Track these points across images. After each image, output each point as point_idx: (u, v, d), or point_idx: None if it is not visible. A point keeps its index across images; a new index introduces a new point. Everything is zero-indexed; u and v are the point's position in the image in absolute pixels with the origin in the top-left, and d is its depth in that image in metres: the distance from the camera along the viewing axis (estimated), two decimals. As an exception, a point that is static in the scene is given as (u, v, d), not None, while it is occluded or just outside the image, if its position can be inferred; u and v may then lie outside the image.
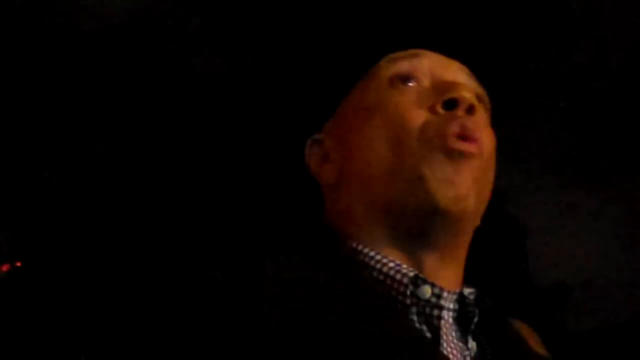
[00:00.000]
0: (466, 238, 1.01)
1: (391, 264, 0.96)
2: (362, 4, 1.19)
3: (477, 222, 1.03)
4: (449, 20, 1.11)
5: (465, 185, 0.95)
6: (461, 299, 0.97)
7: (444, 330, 0.94)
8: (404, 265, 0.96)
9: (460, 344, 0.96)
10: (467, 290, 0.99)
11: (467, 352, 0.96)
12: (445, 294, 0.95)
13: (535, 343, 1.40)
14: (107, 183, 1.45)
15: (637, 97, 1.52)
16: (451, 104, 0.99)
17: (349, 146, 1.03)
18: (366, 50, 1.08)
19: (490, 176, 1.02)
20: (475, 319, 0.97)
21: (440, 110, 0.99)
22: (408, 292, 0.94)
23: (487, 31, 1.16)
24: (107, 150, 1.46)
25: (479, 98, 1.04)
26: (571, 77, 1.47)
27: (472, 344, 0.97)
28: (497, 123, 1.06)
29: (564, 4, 1.42)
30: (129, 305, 0.88)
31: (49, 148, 1.46)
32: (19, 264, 1.15)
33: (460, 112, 0.99)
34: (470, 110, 1.00)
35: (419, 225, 0.96)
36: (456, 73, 1.06)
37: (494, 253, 1.09)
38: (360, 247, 0.98)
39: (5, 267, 1.12)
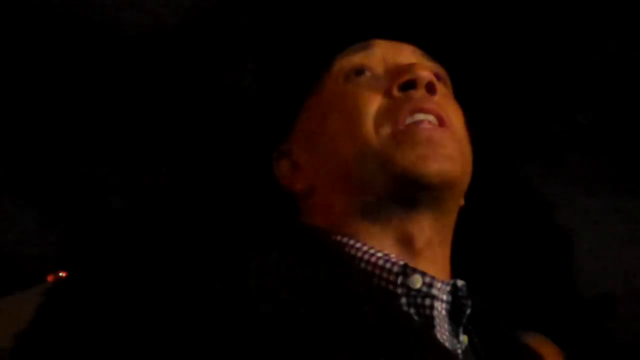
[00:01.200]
0: (452, 217, 0.99)
1: (379, 254, 0.93)
2: (310, 7, 1.17)
3: (462, 201, 1.00)
4: (396, 5, 1.11)
5: (444, 159, 0.93)
6: (454, 290, 0.94)
7: (437, 320, 0.91)
8: (393, 255, 0.93)
9: (452, 337, 0.93)
10: (459, 282, 0.95)
11: (458, 345, 0.94)
12: (437, 284, 0.92)
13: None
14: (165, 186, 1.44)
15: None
16: (408, 86, 0.97)
17: (315, 149, 1.01)
18: (316, 52, 1.06)
19: (468, 150, 0.99)
20: (468, 311, 0.94)
21: (396, 93, 0.97)
22: (398, 282, 0.91)
23: (435, 10, 1.15)
24: (158, 154, 1.45)
25: (437, 75, 1.02)
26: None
27: (462, 337, 0.95)
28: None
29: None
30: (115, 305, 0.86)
31: (94, 151, 1.46)
32: (63, 274, 1.16)
33: (419, 92, 0.97)
34: (431, 88, 0.98)
35: (404, 202, 0.94)
36: (410, 56, 1.04)
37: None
38: (345, 240, 0.95)
39: (50, 278, 1.13)
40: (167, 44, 1.47)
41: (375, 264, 0.92)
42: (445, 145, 0.94)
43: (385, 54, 1.04)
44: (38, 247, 1.20)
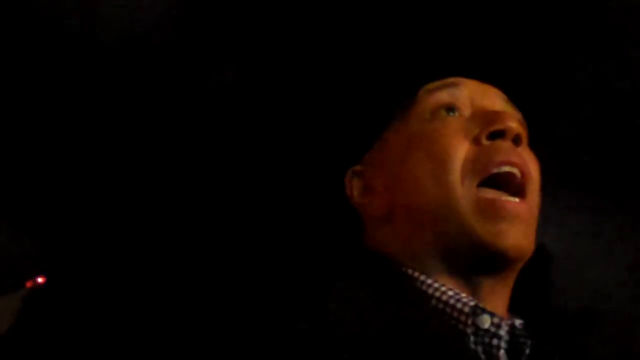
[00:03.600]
0: (516, 272, 1.02)
1: (450, 292, 0.96)
2: (398, 35, 1.19)
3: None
4: (484, 48, 1.12)
5: (520, 235, 0.97)
6: (512, 329, 0.97)
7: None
8: (463, 294, 0.97)
9: None
10: (517, 321, 0.99)
11: None
12: (503, 324, 0.95)
13: None
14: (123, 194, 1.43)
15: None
16: (497, 135, 1.00)
17: (395, 178, 1.03)
18: (402, 81, 1.08)
19: (538, 203, 1.02)
20: (527, 351, 0.97)
21: (484, 141, 1.00)
22: (469, 322, 0.94)
23: (520, 56, 1.17)
24: (125, 162, 1.44)
25: (520, 124, 1.04)
26: (593, 95, 1.45)
27: None
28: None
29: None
30: (191, 329, 0.88)
31: (66, 158, 1.44)
32: (42, 279, 1.15)
33: (506, 143, 0.99)
34: (517, 140, 1.00)
35: (476, 264, 0.98)
36: (495, 100, 1.06)
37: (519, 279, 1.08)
38: (416, 275, 0.98)
39: (29, 284, 1.12)
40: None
41: (446, 302, 0.96)
42: (523, 220, 0.97)
43: (473, 95, 1.05)
44: (16, 251, 1.17)
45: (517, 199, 0.98)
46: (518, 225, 0.96)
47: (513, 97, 1.07)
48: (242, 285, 0.91)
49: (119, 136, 1.46)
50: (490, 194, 0.97)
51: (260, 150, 1.37)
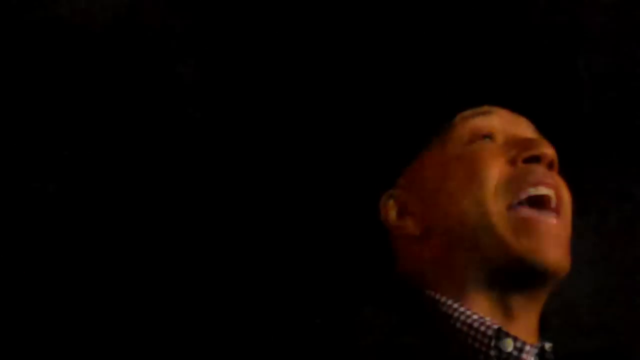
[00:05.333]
0: (548, 291, 1.05)
1: (475, 316, 0.99)
2: (434, 60, 1.23)
3: None
4: (517, 78, 1.17)
5: (559, 252, 1.00)
6: (541, 353, 1.00)
7: None
8: (487, 318, 0.99)
9: None
10: (547, 345, 1.02)
11: None
12: (527, 348, 0.98)
13: None
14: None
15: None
16: (532, 160, 1.03)
17: (433, 199, 1.06)
18: (437, 108, 1.11)
19: (570, 227, 1.05)
20: None
21: (520, 164, 1.03)
22: (492, 345, 0.97)
23: (551, 88, 1.20)
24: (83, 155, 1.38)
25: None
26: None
27: None
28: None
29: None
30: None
31: (31, 151, 1.37)
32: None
33: (541, 168, 1.03)
34: (552, 165, 1.04)
35: (511, 280, 1.00)
36: (526, 130, 1.10)
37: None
38: (441, 298, 1.01)
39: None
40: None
41: (470, 325, 0.99)
42: (560, 236, 1.01)
43: (505, 124, 1.09)
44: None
45: (552, 218, 1.01)
46: (553, 243, 1.00)
47: (542, 129, 1.11)
48: (271, 310, 0.92)
49: (75, 132, 1.40)
50: (525, 212, 1.01)
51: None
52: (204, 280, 1.29)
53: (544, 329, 1.06)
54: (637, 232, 1.47)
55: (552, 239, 1.00)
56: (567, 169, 1.09)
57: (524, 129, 1.10)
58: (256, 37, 1.39)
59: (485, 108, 1.10)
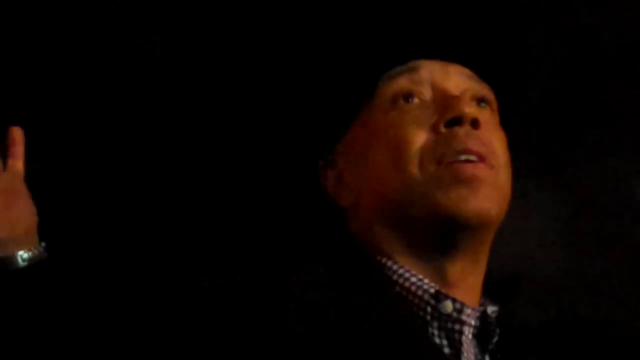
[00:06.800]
0: (486, 250, 1.05)
1: (413, 279, 1.00)
2: (358, 22, 1.22)
3: (497, 226, 1.05)
4: (442, 25, 1.15)
5: (484, 200, 0.98)
6: (483, 316, 1.00)
7: (465, 345, 0.98)
8: (426, 280, 1.00)
9: None
10: (490, 308, 1.02)
11: None
12: (467, 310, 0.98)
13: None
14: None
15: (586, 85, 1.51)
16: (454, 122, 1.01)
17: (360, 168, 1.06)
18: (367, 68, 1.09)
19: (507, 178, 1.04)
20: (495, 339, 1.00)
21: (442, 129, 1.01)
22: (429, 308, 0.98)
23: (479, 29, 1.19)
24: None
25: (484, 99, 1.06)
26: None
27: None
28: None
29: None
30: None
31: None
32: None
33: (463, 128, 1.00)
34: (475, 124, 1.01)
35: (442, 240, 1.00)
36: (457, 79, 1.07)
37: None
38: (384, 261, 1.02)
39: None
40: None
41: (408, 290, 1.00)
42: (485, 183, 0.99)
43: (433, 78, 1.06)
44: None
45: (477, 166, 0.99)
46: (479, 189, 0.98)
47: (479, 71, 1.08)
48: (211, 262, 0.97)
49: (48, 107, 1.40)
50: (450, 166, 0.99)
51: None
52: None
53: (505, 298, 1.06)
54: (604, 206, 1.44)
55: (475, 185, 0.98)
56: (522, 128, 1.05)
57: (455, 78, 1.07)
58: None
59: (410, 64, 1.08)
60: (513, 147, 1.07)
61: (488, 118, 1.05)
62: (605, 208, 1.43)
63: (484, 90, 1.08)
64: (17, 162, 1.09)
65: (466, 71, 1.08)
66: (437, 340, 0.98)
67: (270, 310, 0.91)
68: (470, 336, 0.99)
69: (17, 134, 1.10)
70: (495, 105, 1.09)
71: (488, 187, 0.99)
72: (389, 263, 1.02)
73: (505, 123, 1.10)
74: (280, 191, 1.27)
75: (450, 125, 1.01)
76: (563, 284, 1.39)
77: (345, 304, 0.94)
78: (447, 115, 1.01)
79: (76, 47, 1.40)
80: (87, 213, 1.35)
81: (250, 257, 0.98)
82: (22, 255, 1.03)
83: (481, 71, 1.09)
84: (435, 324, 0.98)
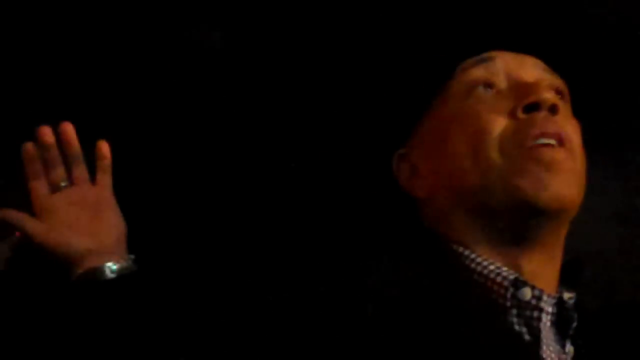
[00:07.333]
0: (564, 234, 1.04)
1: (492, 267, 0.99)
2: (432, 15, 1.22)
3: (574, 214, 1.04)
4: (517, 18, 1.15)
5: (563, 184, 0.97)
6: (560, 302, 0.99)
7: (544, 332, 0.97)
8: (504, 268, 0.99)
9: (559, 347, 0.99)
10: (566, 295, 1.01)
11: (564, 356, 0.99)
12: (545, 297, 0.97)
13: None
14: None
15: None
16: (532, 107, 1.00)
17: (436, 159, 1.05)
18: (440, 60, 1.09)
19: (583, 165, 1.03)
20: (574, 324, 1.00)
21: (520, 115, 1.00)
22: (509, 295, 0.97)
23: (556, 22, 1.19)
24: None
25: (558, 91, 1.06)
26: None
27: (569, 348, 0.99)
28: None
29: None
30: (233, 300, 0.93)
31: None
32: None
33: (542, 114, 1.00)
34: (553, 109, 1.01)
35: (521, 228, 0.99)
36: (532, 70, 1.06)
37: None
38: (461, 250, 1.01)
39: (19, 233, 1.09)
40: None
41: (487, 277, 0.99)
42: (564, 168, 0.98)
43: (508, 68, 1.06)
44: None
45: (557, 150, 0.98)
46: (557, 173, 0.97)
47: (553, 64, 1.07)
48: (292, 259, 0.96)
49: (99, 102, 1.41)
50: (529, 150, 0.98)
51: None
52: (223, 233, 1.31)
53: (575, 283, 1.04)
54: None
55: (555, 169, 0.97)
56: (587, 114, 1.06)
57: (530, 69, 1.06)
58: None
59: (485, 55, 1.07)
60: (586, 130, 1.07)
61: (564, 108, 1.04)
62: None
63: (558, 81, 1.08)
64: (105, 176, 1.12)
65: (540, 63, 1.08)
66: (516, 327, 0.97)
67: (352, 307, 0.90)
68: (548, 323, 0.98)
69: (104, 148, 1.12)
70: (568, 97, 1.09)
71: (567, 172, 0.98)
72: (467, 252, 1.00)
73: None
74: (355, 185, 1.26)
75: (529, 111, 1.00)
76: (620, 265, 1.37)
77: (426, 294, 0.93)
78: (526, 100, 1.00)
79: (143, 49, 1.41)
80: (173, 223, 1.37)
81: (329, 254, 0.98)
82: (111, 266, 1.04)
83: (554, 63, 1.08)
84: (514, 311, 0.97)
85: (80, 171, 1.10)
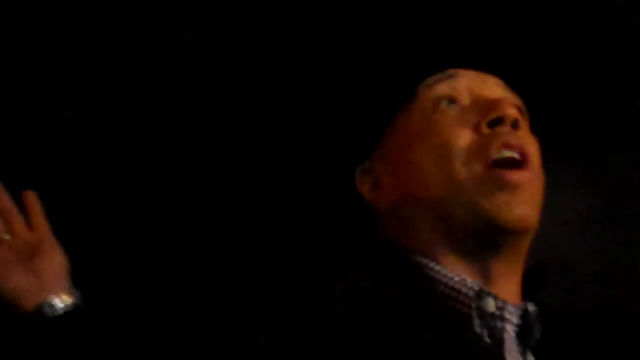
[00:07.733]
0: (525, 250, 1.06)
1: (456, 278, 1.00)
2: (395, 32, 1.23)
3: (535, 229, 1.06)
4: (480, 39, 1.18)
5: (526, 206, 1.00)
6: (524, 314, 1.01)
7: (507, 343, 0.98)
8: (469, 279, 1.00)
9: (522, 358, 1.00)
10: (530, 306, 1.02)
11: None
12: (509, 308, 0.99)
13: None
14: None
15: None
16: (496, 122, 1.03)
17: (401, 172, 1.07)
18: (402, 78, 1.11)
19: (541, 182, 1.06)
20: (538, 336, 1.01)
21: (485, 129, 1.03)
22: (473, 305, 0.98)
23: (517, 43, 1.22)
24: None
25: (519, 109, 1.08)
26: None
27: (530, 359, 1.01)
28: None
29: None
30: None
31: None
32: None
33: (505, 128, 1.03)
34: (515, 124, 1.04)
35: (485, 243, 1.01)
36: (494, 88, 1.10)
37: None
38: (425, 262, 1.02)
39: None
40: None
41: (452, 287, 1.00)
42: (525, 189, 1.01)
43: (471, 85, 1.09)
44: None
45: (518, 172, 1.01)
46: (520, 195, 0.99)
47: (512, 84, 1.11)
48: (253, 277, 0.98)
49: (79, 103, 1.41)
50: (492, 172, 1.01)
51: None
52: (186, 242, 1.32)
53: (539, 290, 1.06)
54: (632, 187, 1.44)
55: (517, 192, 1.00)
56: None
57: (491, 87, 1.10)
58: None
59: (449, 72, 1.10)
60: (545, 138, 1.08)
61: (524, 125, 1.07)
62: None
63: (518, 100, 1.11)
64: (39, 219, 1.12)
65: (501, 82, 1.11)
66: (481, 337, 0.98)
67: (318, 320, 0.91)
68: (512, 334, 1.00)
69: (31, 198, 1.12)
70: (527, 115, 1.12)
71: (529, 193, 1.01)
72: (432, 264, 1.02)
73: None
74: (317, 199, 1.27)
75: (492, 126, 1.03)
76: (599, 273, 1.38)
77: (391, 306, 0.95)
78: (490, 116, 1.03)
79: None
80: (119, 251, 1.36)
81: (290, 268, 1.00)
82: (51, 302, 1.04)
83: (513, 83, 1.12)
84: (479, 322, 0.98)
85: (17, 222, 1.10)
